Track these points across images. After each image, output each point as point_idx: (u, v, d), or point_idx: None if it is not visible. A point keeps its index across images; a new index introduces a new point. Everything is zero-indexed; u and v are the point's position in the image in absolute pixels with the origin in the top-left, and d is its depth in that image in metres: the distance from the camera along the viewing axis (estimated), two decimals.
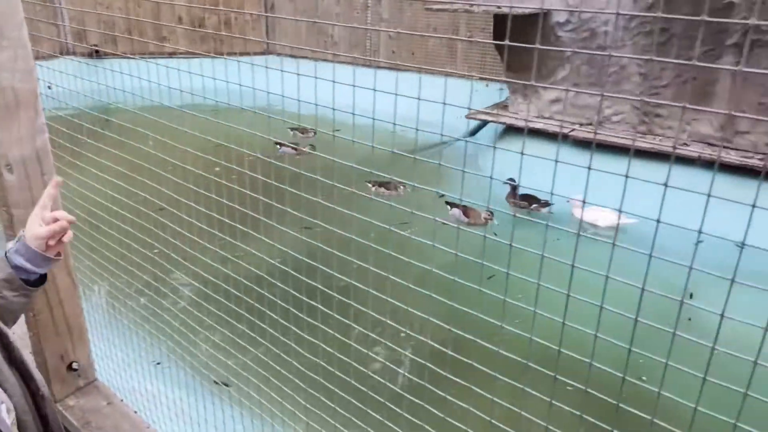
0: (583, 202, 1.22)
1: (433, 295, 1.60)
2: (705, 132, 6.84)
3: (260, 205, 1.94)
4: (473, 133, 9.14)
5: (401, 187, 7.10)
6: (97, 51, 10.54)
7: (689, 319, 3.73)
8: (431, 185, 1.57)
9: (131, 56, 2.53)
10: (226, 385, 2.70)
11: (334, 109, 1.60)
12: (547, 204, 6.63)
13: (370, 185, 7.06)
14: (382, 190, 7.08)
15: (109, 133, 2.76)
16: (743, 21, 1.11)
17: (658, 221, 1.10)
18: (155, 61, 2.13)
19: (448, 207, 6.59)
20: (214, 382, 2.84)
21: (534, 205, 6.71)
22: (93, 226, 2.71)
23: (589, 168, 1.14)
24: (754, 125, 6.45)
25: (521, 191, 6.61)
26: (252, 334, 2.22)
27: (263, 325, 2.13)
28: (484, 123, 8.66)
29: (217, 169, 2.09)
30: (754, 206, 0.98)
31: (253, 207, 1.97)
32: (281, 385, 2.15)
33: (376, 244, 1.69)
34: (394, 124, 1.43)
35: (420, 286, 1.62)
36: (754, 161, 6.26)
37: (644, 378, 1.43)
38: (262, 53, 11.90)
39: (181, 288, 3.35)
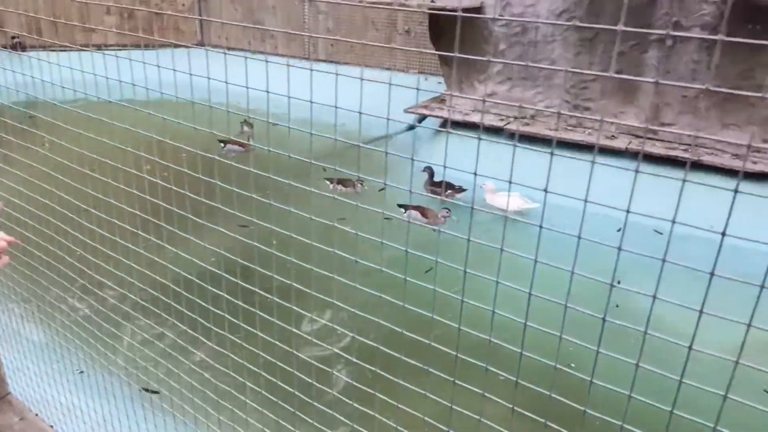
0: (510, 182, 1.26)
1: (373, 292, 1.59)
2: (632, 124, 7.13)
3: (195, 204, 1.88)
4: (412, 127, 9.22)
5: (359, 184, 6.99)
6: (19, 43, 10.03)
7: (617, 306, 3.89)
8: (374, 179, 1.56)
9: (57, 48, 2.40)
10: (155, 392, 2.61)
11: (289, 97, 1.56)
12: (461, 190, 6.94)
13: (327, 182, 6.93)
14: (340, 187, 6.97)
15: (33, 130, 2.63)
16: (657, 32, 1.17)
17: (585, 201, 1.10)
18: (83, 54, 2.05)
19: (402, 210, 6.37)
20: (142, 389, 2.73)
21: (449, 191, 6.97)
22: (8, 230, 2.56)
23: (512, 164, 1.17)
24: (678, 117, 6.78)
25: (458, 182, 6.86)
26: (194, 332, 2.17)
27: (194, 332, 2.08)
28: (424, 117, 8.75)
29: (149, 167, 2.00)
30: (679, 204, 1.01)
31: (186, 206, 1.91)
32: (207, 391, 2.12)
33: (318, 241, 1.66)
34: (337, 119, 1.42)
35: (363, 281, 1.60)
36: (678, 152, 6.58)
37: (573, 365, 1.48)
38: (196, 46, 11.60)
39: (107, 294, 3.21)
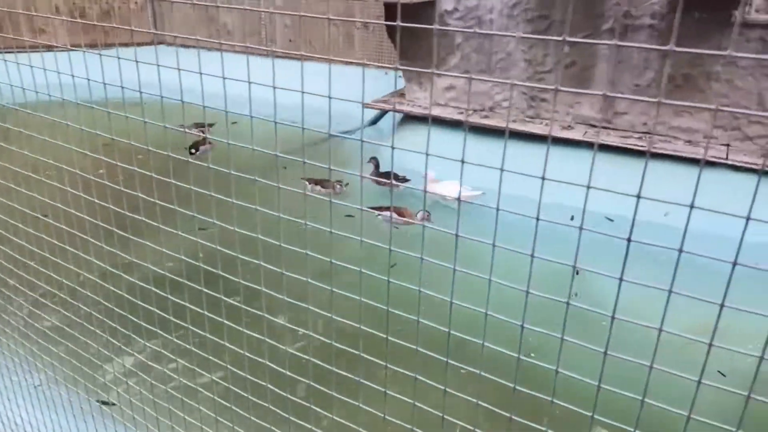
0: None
1: (335, 290, 1.58)
2: (587, 114, 7.30)
3: (151, 207, 1.83)
4: (374, 122, 9.26)
5: (338, 185, 6.82)
6: None
7: (576, 294, 3.97)
8: (335, 175, 1.53)
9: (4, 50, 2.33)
10: (111, 404, 2.58)
11: (249, 82, 1.54)
12: (405, 180, 7.03)
13: (305, 183, 6.67)
14: (319, 188, 6.77)
15: None
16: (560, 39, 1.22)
17: (542, 179, 1.11)
18: (32, 55, 2.00)
19: (374, 212, 6.20)
20: (98, 402, 2.67)
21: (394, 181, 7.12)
22: None
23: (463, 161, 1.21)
24: (631, 106, 6.96)
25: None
26: (154, 346, 2.14)
27: (151, 342, 2.06)
28: (384, 111, 8.80)
29: (101, 171, 1.94)
30: (639, 195, 1.02)
31: (141, 210, 1.86)
32: (160, 402, 2.11)
33: (284, 241, 1.62)
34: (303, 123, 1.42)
35: (327, 281, 1.58)
36: (633, 141, 6.76)
37: (533, 355, 1.51)
38: (150, 44, 11.37)
39: (62, 306, 3.12)
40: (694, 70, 6.46)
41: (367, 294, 1.49)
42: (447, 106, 8.16)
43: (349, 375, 1.59)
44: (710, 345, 1.01)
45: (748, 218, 0.88)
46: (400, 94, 8.91)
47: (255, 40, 11.83)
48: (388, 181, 6.73)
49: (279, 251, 1.58)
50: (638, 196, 0.98)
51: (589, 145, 6.81)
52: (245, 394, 1.85)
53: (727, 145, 6.49)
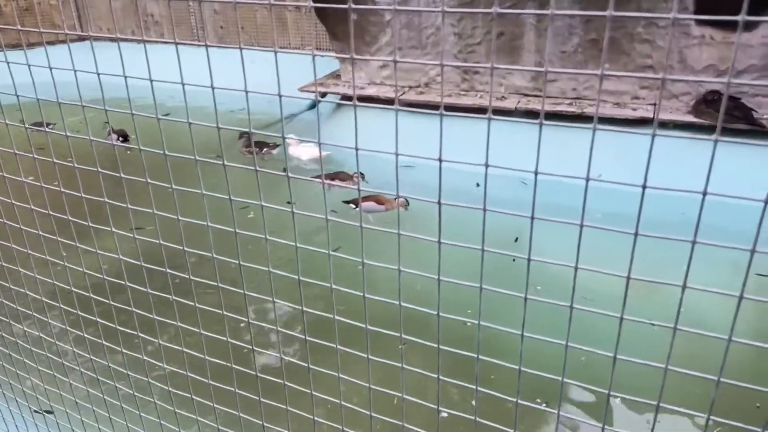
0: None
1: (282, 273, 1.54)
2: (519, 84, 7.45)
3: (85, 208, 1.76)
4: (313, 105, 9.20)
5: (355, 176, 6.22)
6: None
7: (513, 260, 4.07)
8: (276, 164, 1.50)
9: None
10: (49, 412, 2.52)
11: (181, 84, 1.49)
12: (275, 146, 7.24)
13: (316, 180, 6.32)
14: (337, 182, 6.29)
15: None
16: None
17: (536, 172, 1.19)
18: None
19: (352, 206, 5.90)
20: (35, 411, 2.61)
21: (264, 149, 7.37)
22: None
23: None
24: (561, 73, 7.14)
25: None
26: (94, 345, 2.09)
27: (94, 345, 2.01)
28: (324, 94, 8.74)
29: (31, 178, 1.86)
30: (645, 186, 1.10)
31: (77, 213, 1.80)
32: (98, 410, 2.09)
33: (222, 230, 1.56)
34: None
35: (285, 267, 1.55)
36: (563, 107, 6.96)
37: (470, 311, 1.52)
38: (79, 39, 10.94)
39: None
40: (617, 33, 6.67)
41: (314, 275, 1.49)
42: (383, 84, 8.18)
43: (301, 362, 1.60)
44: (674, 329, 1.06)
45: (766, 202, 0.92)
46: (336, 75, 8.86)
47: (185, 28, 11.51)
48: (258, 150, 7.05)
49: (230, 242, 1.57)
50: (644, 186, 1.00)
51: (522, 114, 6.97)
52: (188, 395, 1.84)
53: (654, 104, 6.76)
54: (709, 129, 6.08)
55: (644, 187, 0.97)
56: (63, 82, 1.58)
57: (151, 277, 1.75)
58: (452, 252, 1.19)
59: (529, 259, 1.16)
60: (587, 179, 1.01)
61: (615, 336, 1.13)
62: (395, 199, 5.58)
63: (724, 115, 6.21)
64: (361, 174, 5.94)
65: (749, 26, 5.95)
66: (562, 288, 1.11)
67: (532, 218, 1.11)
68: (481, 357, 1.31)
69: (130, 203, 1.64)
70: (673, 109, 6.61)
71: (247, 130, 1.48)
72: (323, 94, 8.61)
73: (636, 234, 1.02)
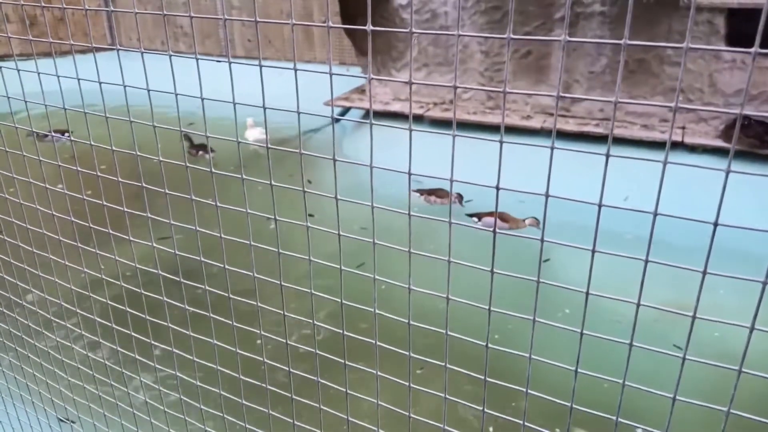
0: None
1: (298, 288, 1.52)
2: (545, 103, 7.41)
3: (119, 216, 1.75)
4: (338, 119, 9.25)
5: (456, 199, 6.06)
6: None
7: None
8: (299, 173, 1.46)
9: None
10: (71, 421, 2.52)
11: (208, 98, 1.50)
12: (212, 150, 7.22)
13: (418, 194, 6.22)
14: (433, 198, 6.21)
15: None
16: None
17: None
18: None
19: (475, 219, 5.71)
20: (58, 419, 2.61)
21: (200, 152, 7.65)
22: None
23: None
24: (587, 92, 7.09)
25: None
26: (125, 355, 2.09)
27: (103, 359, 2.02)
28: (347, 109, 8.80)
29: (60, 186, 1.86)
30: (656, 213, 1.08)
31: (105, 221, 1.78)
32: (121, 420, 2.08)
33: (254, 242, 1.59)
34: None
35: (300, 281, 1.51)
36: (590, 127, 6.89)
37: (497, 336, 1.50)
38: (108, 49, 11.11)
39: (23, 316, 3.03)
40: (647, 55, 6.61)
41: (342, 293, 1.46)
42: (407, 100, 8.19)
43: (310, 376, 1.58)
44: (694, 317, 1.02)
45: None
46: (361, 90, 8.90)
47: (213, 41, 11.69)
48: (195, 152, 7.42)
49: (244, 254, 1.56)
50: (655, 214, 0.99)
51: (547, 134, 6.93)
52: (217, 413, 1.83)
53: (683, 127, 6.67)
54: (739, 154, 5.97)
55: (656, 214, 0.96)
56: (90, 91, 1.59)
57: (173, 288, 1.75)
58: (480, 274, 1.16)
59: (538, 282, 1.13)
60: (600, 205, 0.99)
61: (633, 359, 1.09)
62: (523, 220, 5.55)
63: (756, 141, 6.09)
64: (459, 195, 5.98)
65: None
66: (590, 311, 1.08)
67: (542, 240, 1.08)
68: (497, 381, 1.28)
69: (156, 213, 1.65)
70: (702, 133, 6.51)
71: (185, 131, 1.47)
72: (347, 110, 8.66)
73: (647, 261, 1.00)
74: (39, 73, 1.65)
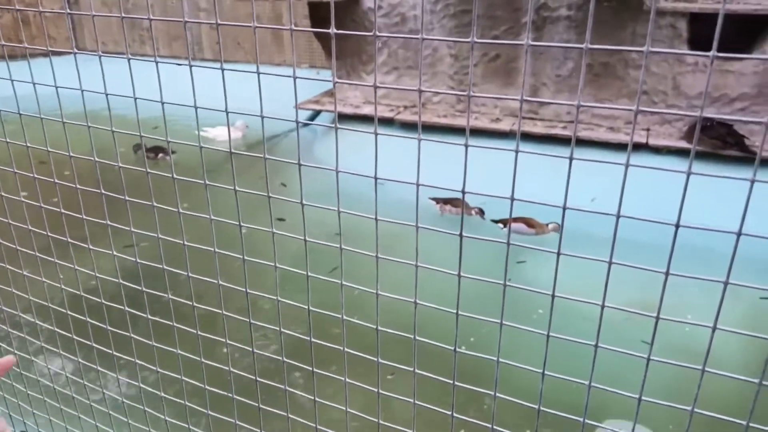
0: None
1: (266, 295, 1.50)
2: (514, 106, 7.47)
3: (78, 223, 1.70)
4: (311, 119, 9.20)
5: (474, 211, 5.89)
6: None
7: (510, 280, 4.04)
8: (271, 176, 1.44)
9: None
10: None
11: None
12: (173, 152, 7.10)
13: (434, 203, 6.02)
14: (448, 207, 6.04)
15: None
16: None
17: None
18: None
19: (500, 225, 5.69)
20: None
21: (160, 155, 7.52)
22: None
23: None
24: (555, 96, 7.17)
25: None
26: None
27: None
28: (318, 112, 8.76)
29: (25, 194, 1.81)
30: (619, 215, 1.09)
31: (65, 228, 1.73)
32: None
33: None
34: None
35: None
36: (558, 130, 6.97)
37: (472, 339, 1.52)
38: (67, 53, 10.89)
39: None
40: (611, 58, 6.71)
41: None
42: (378, 104, 8.18)
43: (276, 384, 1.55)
44: (657, 318, 1.03)
45: None
46: (331, 93, 8.87)
47: (180, 43, 11.54)
48: (153, 156, 7.25)
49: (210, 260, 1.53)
50: (618, 216, 1.00)
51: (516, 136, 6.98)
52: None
53: (647, 129, 6.79)
54: (702, 155, 6.09)
55: (618, 216, 0.97)
56: (48, 95, 1.54)
57: (135, 296, 1.70)
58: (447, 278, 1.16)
59: (504, 285, 1.13)
60: (564, 207, 1.00)
61: (606, 357, 1.09)
62: (547, 224, 5.54)
63: (719, 142, 6.22)
64: (481, 210, 5.84)
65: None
66: (564, 312, 1.09)
67: (508, 244, 1.09)
68: (464, 385, 1.27)
69: (116, 221, 1.60)
70: (666, 134, 6.64)
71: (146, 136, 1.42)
72: (317, 113, 8.62)
73: (610, 262, 1.01)
74: None
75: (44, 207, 1.72)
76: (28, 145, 1.66)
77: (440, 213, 6.08)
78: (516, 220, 5.61)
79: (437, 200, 6.12)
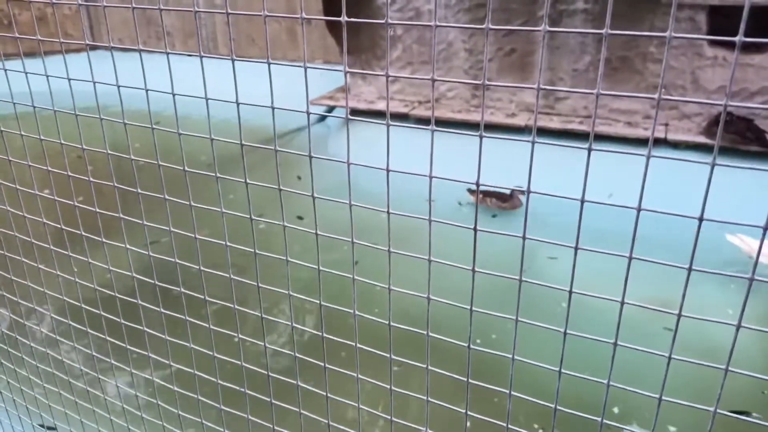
0: None
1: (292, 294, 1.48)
2: (530, 101, 7.41)
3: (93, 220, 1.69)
4: (323, 118, 9.20)
5: (518, 196, 5.45)
6: None
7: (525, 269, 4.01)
8: (287, 171, 1.41)
9: None
10: (51, 428, 2.46)
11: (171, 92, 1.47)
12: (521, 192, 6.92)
13: (469, 195, 5.74)
14: (490, 200, 5.61)
15: None
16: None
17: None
18: None
19: (470, 196, 5.57)
20: (39, 425, 2.55)
21: (492, 200, 6.93)
22: None
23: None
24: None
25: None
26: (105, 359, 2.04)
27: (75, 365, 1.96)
28: (332, 107, 8.75)
29: (47, 191, 1.81)
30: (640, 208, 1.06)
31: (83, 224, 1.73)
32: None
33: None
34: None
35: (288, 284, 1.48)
36: (574, 125, 6.90)
37: (494, 336, 1.49)
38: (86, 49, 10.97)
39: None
40: (630, 52, 6.63)
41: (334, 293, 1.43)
42: (392, 99, 8.16)
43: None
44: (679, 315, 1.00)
45: None
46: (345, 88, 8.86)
47: (196, 40, 11.58)
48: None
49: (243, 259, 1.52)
50: (639, 209, 0.97)
51: (532, 131, 6.92)
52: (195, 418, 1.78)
53: (666, 124, 6.70)
54: (720, 150, 6.00)
55: (639, 210, 0.94)
56: (71, 91, 1.54)
57: (152, 292, 1.70)
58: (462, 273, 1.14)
59: (520, 281, 1.11)
60: (582, 201, 0.97)
61: (626, 352, 1.07)
62: (510, 194, 5.48)
63: (738, 137, 6.13)
64: (521, 191, 5.48)
65: (761, 48, 5.89)
66: (587, 307, 1.06)
67: (524, 238, 1.06)
68: (478, 383, 1.25)
69: (149, 215, 1.59)
70: (685, 129, 6.54)
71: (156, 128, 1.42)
72: (331, 108, 8.61)
73: (630, 257, 0.98)
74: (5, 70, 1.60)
75: (78, 206, 1.72)
76: (62, 142, 1.65)
77: (480, 205, 5.69)
78: (488, 194, 5.56)
79: (477, 192, 5.90)
